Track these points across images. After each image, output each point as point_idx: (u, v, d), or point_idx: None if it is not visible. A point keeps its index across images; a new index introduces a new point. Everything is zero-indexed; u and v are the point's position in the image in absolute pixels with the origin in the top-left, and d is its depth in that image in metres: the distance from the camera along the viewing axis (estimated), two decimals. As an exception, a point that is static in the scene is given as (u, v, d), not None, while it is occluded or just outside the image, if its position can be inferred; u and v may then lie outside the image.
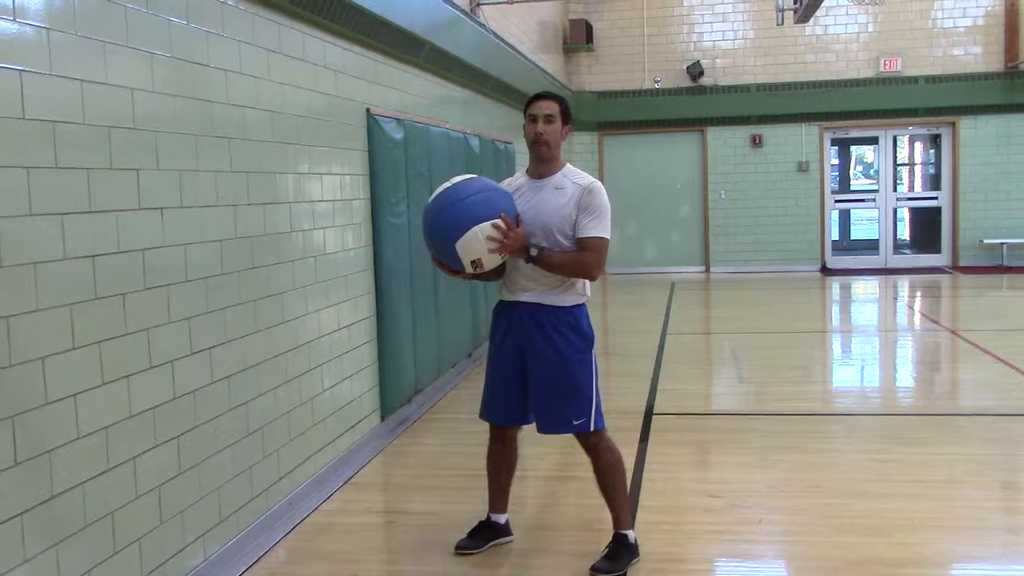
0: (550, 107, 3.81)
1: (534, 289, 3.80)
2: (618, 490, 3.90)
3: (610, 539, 3.90)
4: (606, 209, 3.76)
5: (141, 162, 3.43)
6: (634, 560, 3.84)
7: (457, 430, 6.08)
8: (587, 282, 3.86)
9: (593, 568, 3.78)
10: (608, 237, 3.75)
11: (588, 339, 3.83)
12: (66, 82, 3.04)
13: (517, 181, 3.94)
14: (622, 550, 3.84)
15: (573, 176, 3.82)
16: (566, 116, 3.86)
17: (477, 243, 3.59)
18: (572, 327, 3.78)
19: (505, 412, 3.94)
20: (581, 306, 3.85)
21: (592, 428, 3.80)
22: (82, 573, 3.06)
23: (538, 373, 3.79)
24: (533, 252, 3.67)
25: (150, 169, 3.48)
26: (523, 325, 3.81)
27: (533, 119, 3.81)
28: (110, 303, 3.23)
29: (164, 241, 3.56)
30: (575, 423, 3.79)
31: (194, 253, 3.76)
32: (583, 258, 3.72)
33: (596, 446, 3.85)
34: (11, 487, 2.77)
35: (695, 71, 14.83)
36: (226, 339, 4.00)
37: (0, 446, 2.74)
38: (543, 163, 3.85)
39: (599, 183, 3.80)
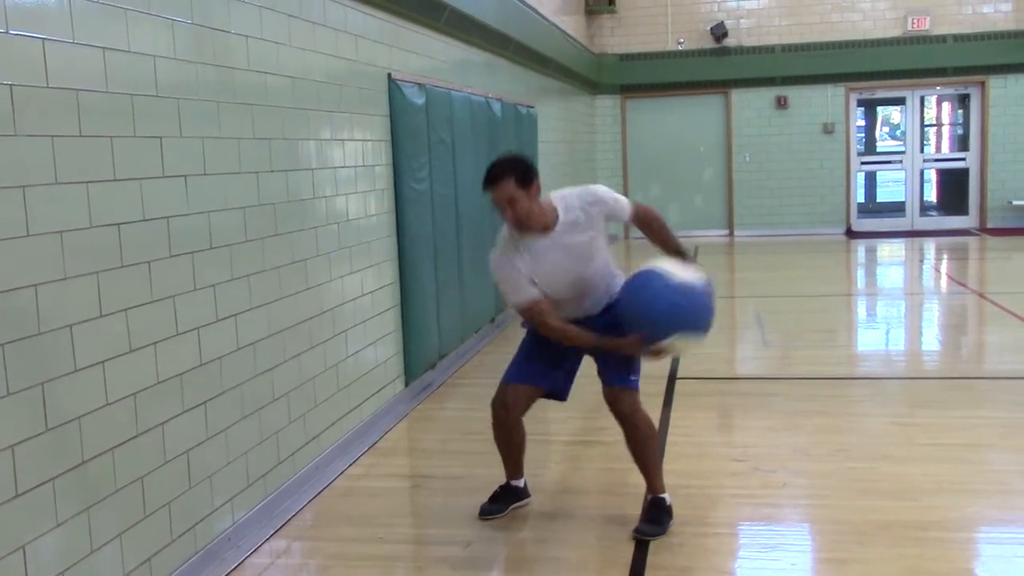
0: (503, 192, 3.54)
1: (578, 310, 3.84)
2: (653, 457, 3.92)
3: (646, 503, 3.93)
4: (607, 191, 3.80)
5: (164, 130, 3.43)
6: (671, 522, 3.88)
7: (480, 395, 6.08)
8: (616, 270, 3.94)
9: (637, 531, 3.81)
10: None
11: None
12: (88, 50, 3.04)
13: (527, 245, 3.65)
14: (661, 513, 3.87)
15: (573, 204, 3.71)
16: (524, 180, 3.56)
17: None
18: (614, 306, 3.83)
19: (525, 371, 3.93)
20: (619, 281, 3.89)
21: (638, 388, 3.87)
22: (113, 536, 3.11)
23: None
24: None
25: (173, 136, 3.49)
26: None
27: (498, 207, 3.60)
28: (136, 271, 3.25)
29: (188, 209, 3.57)
30: (632, 378, 3.84)
31: (218, 220, 3.78)
32: (661, 218, 3.92)
33: (631, 415, 3.85)
34: (42, 453, 2.81)
35: (719, 32, 14.64)
36: (251, 306, 4.02)
37: (31, 413, 2.77)
38: (537, 227, 3.67)
39: (581, 188, 3.78)
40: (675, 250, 3.88)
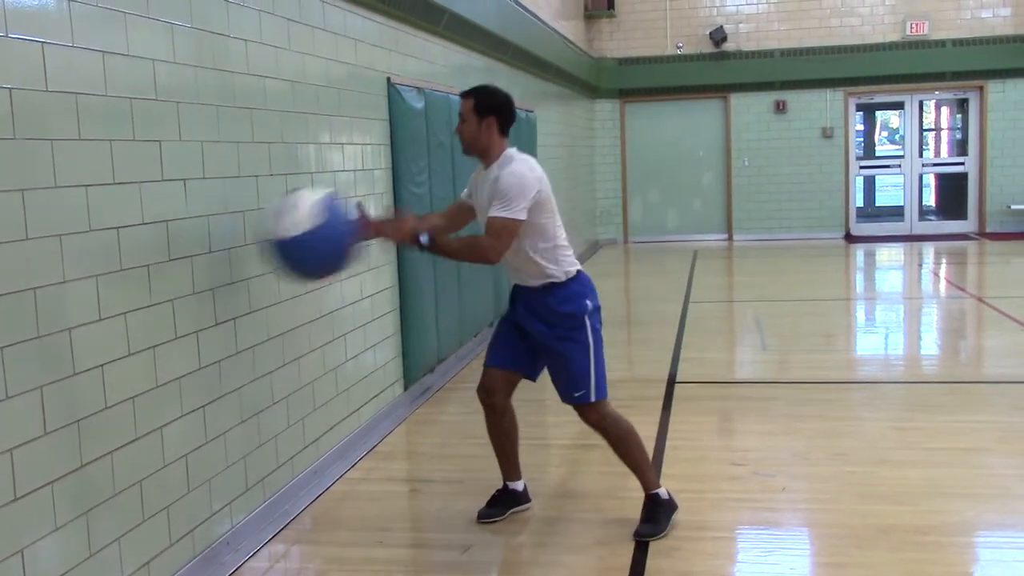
0: (464, 105, 3.80)
1: (515, 275, 3.89)
2: (636, 456, 3.91)
3: (644, 502, 3.93)
4: (516, 190, 3.60)
5: (163, 133, 3.44)
6: (673, 512, 3.90)
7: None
8: (562, 259, 3.79)
9: (636, 534, 3.81)
10: (513, 218, 3.58)
11: (576, 317, 3.79)
12: (88, 53, 3.04)
13: (479, 169, 3.93)
14: (657, 510, 3.88)
15: (498, 165, 3.75)
16: (481, 109, 3.77)
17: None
18: (552, 308, 3.78)
19: (500, 356, 3.97)
20: (563, 284, 3.78)
21: (593, 399, 3.80)
22: (112, 539, 3.11)
23: (538, 349, 3.90)
24: (423, 240, 3.65)
25: (172, 140, 3.49)
26: (516, 306, 3.92)
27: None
28: (135, 274, 3.25)
29: (188, 212, 3.57)
30: (575, 395, 3.82)
31: (217, 224, 3.78)
32: (478, 241, 3.67)
33: (598, 423, 3.87)
34: (41, 456, 2.80)
35: (718, 37, 14.66)
36: (250, 309, 4.02)
37: (30, 416, 2.77)
38: (480, 159, 3.87)
39: (518, 164, 3.69)
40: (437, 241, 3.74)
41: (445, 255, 3.83)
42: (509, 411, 4.06)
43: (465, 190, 4.03)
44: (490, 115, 3.78)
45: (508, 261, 3.82)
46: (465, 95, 3.84)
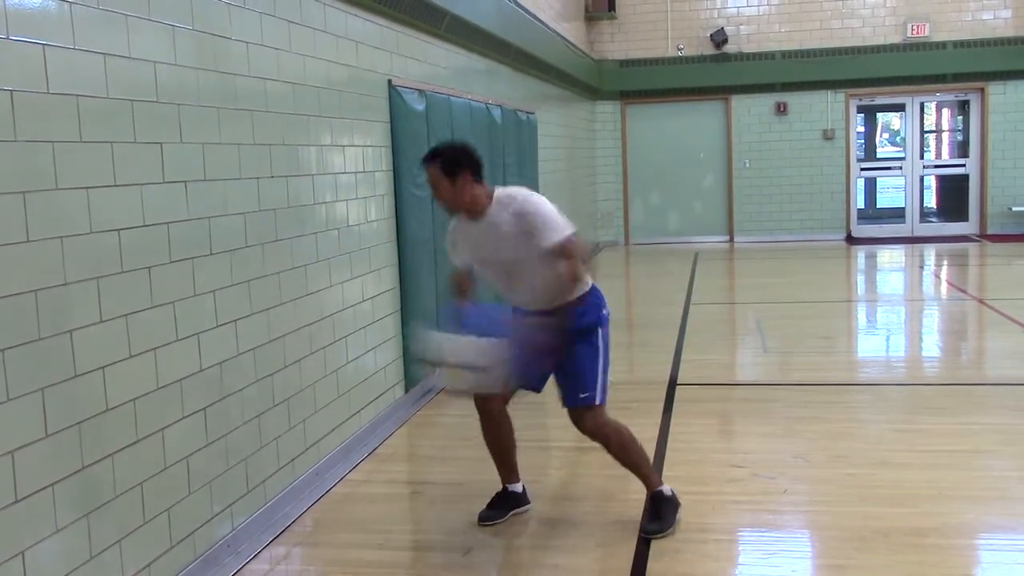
0: (430, 173, 3.71)
1: (531, 301, 3.77)
2: (637, 460, 3.93)
3: (647, 501, 3.93)
4: (549, 210, 3.64)
5: (164, 135, 3.44)
6: (678, 509, 3.91)
7: (481, 401, 6.10)
8: (582, 273, 3.79)
9: (643, 531, 3.82)
10: (572, 231, 3.64)
11: (592, 324, 3.81)
12: (89, 56, 3.04)
13: (464, 222, 3.82)
14: (664, 507, 3.89)
15: (505, 203, 3.70)
16: (450, 169, 3.66)
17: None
18: (572, 322, 3.75)
19: None
20: (580, 300, 3.78)
21: (597, 402, 3.81)
22: (113, 542, 3.11)
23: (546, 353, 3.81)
24: (567, 324, 3.64)
25: (173, 142, 3.49)
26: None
27: (429, 185, 3.80)
28: (136, 276, 3.26)
29: (189, 214, 3.58)
30: (582, 396, 3.81)
31: (218, 226, 3.78)
32: (568, 269, 3.64)
33: (599, 430, 3.86)
34: (42, 458, 2.81)
35: (719, 38, 14.66)
36: (251, 311, 4.02)
37: (31, 418, 2.77)
38: (466, 214, 3.78)
39: (524, 196, 3.70)
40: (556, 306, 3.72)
41: (568, 307, 3.72)
42: (506, 417, 4.05)
43: (455, 255, 3.90)
44: (460, 171, 3.68)
45: (525, 288, 3.74)
46: (427, 163, 3.74)
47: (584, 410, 3.83)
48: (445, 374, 3.72)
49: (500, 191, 3.77)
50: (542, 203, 3.67)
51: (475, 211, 3.75)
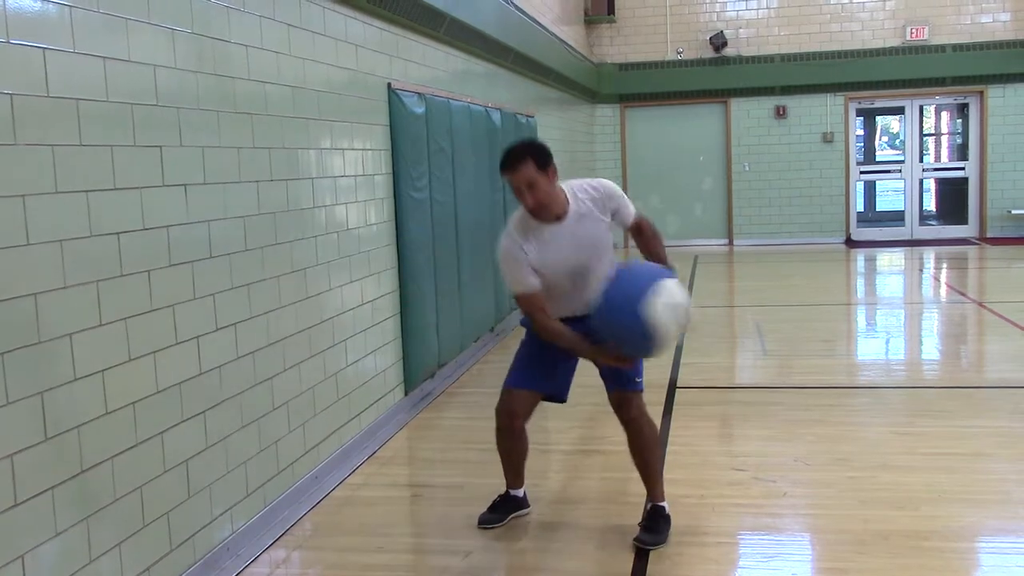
0: (524, 176, 3.52)
1: (581, 306, 3.69)
2: (656, 464, 3.94)
3: (646, 511, 3.92)
4: (618, 189, 3.82)
5: (164, 139, 3.44)
6: (670, 531, 3.89)
7: (480, 404, 6.09)
8: None
9: (638, 540, 3.80)
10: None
11: None
12: (89, 59, 3.05)
13: (536, 233, 3.64)
14: (661, 521, 3.88)
15: (581, 196, 3.70)
16: (541, 162, 3.55)
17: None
18: None
19: (528, 376, 3.90)
20: None
21: (642, 388, 3.86)
22: (112, 545, 3.10)
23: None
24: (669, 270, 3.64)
25: (173, 146, 3.49)
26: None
27: (517, 191, 3.58)
28: (136, 280, 3.25)
29: (188, 218, 3.57)
30: (637, 379, 3.84)
31: (218, 229, 3.78)
32: (657, 234, 3.85)
33: (639, 419, 3.86)
34: (42, 462, 2.80)
35: (718, 42, 14.67)
36: (250, 315, 4.02)
37: (30, 422, 2.77)
38: (552, 214, 3.66)
39: (592, 182, 3.77)
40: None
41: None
42: (525, 433, 4.04)
43: (531, 276, 3.62)
44: (549, 164, 3.58)
45: (589, 291, 3.61)
46: (515, 165, 3.53)
47: (634, 395, 3.84)
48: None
49: (563, 186, 3.71)
50: (610, 184, 3.79)
51: (562, 210, 3.66)
